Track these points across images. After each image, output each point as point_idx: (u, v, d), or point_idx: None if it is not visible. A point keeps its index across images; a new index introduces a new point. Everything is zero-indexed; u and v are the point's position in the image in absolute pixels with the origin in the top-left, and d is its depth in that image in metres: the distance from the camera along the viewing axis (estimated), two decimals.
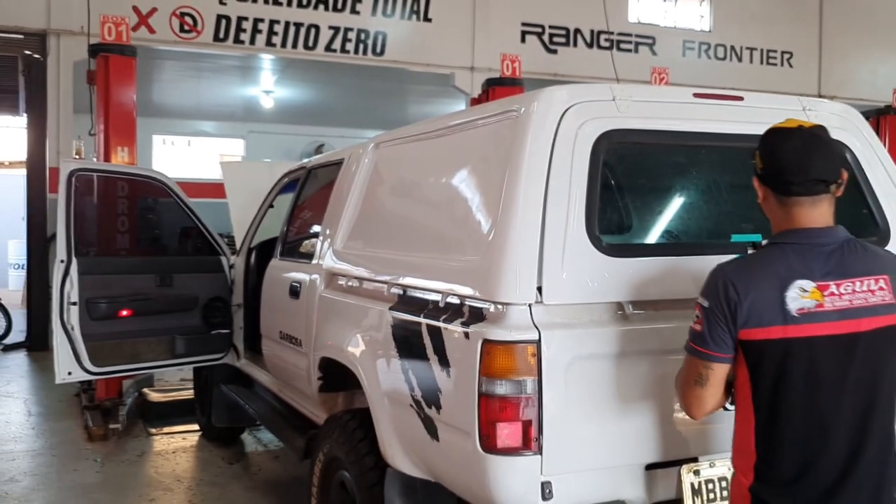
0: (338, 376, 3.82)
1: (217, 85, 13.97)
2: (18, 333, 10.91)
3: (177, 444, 6.41)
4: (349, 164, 4.10)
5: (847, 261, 2.14)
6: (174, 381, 7.65)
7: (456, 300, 2.72)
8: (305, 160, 5.34)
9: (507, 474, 2.44)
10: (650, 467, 2.65)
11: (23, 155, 13.48)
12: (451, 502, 3.11)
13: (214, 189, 9.38)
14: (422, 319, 2.84)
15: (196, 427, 6.64)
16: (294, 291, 4.30)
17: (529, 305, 2.47)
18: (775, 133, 2.22)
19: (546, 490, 2.46)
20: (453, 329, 2.62)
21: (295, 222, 4.98)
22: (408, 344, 2.94)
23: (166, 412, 7.00)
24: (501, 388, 2.42)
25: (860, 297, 2.11)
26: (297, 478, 5.62)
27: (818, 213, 2.16)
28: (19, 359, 10.11)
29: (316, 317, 3.95)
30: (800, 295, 2.09)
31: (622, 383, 2.57)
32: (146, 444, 6.39)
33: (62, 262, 5.12)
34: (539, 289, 2.46)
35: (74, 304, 5.13)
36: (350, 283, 3.67)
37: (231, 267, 5.76)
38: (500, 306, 2.49)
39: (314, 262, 4.15)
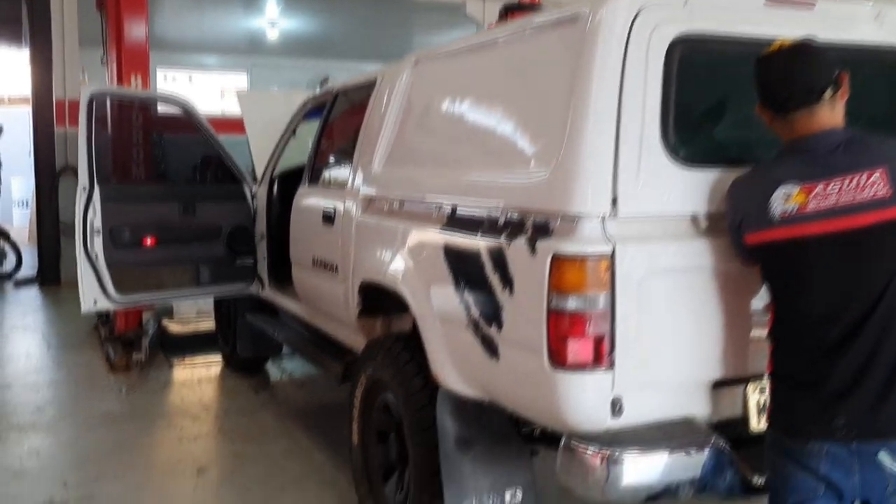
0: (377, 301, 3.77)
1: (220, 16, 13.62)
2: (28, 269, 10.87)
3: (200, 374, 6.41)
4: (384, 85, 3.97)
5: (840, 159, 2.16)
6: (191, 314, 7.59)
7: (517, 216, 2.63)
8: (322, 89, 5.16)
9: (576, 391, 2.39)
10: (717, 385, 2.61)
11: (23, 91, 13.26)
12: (503, 421, 3.09)
13: (219, 124, 9.19)
14: (479, 238, 2.76)
15: (219, 357, 6.63)
16: (328, 218, 4.21)
17: (602, 218, 2.38)
18: (760, 59, 2.30)
19: (616, 406, 2.41)
20: (517, 245, 2.54)
21: (324, 148, 4.86)
22: (463, 263, 2.86)
23: (186, 344, 6.99)
24: (572, 304, 2.36)
25: (847, 195, 2.12)
26: (325, 405, 5.63)
27: (817, 121, 2.21)
28: (32, 293, 10.08)
29: (354, 242, 3.87)
30: (783, 199, 2.16)
31: (694, 298, 2.50)
32: (169, 375, 6.40)
33: (84, 189, 5.02)
34: (614, 200, 2.37)
35: (98, 232, 5.05)
36: (392, 206, 3.58)
37: (253, 196, 5.67)
38: (570, 219, 2.40)
39: (349, 186, 4.05)
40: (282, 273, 5.30)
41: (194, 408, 5.59)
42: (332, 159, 4.82)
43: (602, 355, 2.37)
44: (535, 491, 3.11)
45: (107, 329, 6.99)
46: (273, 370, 6.48)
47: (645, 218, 2.44)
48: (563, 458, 2.43)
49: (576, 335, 2.36)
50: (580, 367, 2.37)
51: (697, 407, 2.58)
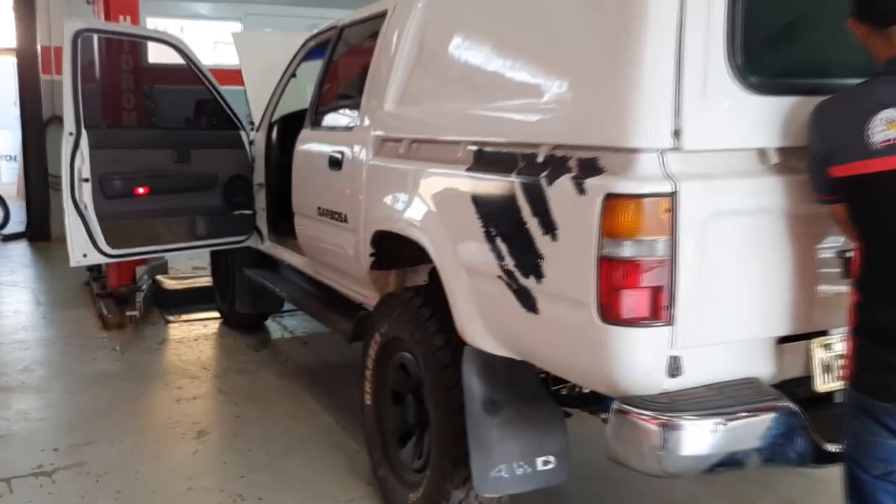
0: (390, 252, 3.48)
1: None
2: (16, 224, 10.53)
3: (197, 331, 6.13)
4: (396, 16, 3.62)
5: None
6: (186, 269, 7.30)
7: (560, 152, 2.32)
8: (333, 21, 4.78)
9: (630, 348, 2.11)
10: (780, 341, 2.34)
11: (6, 40, 12.73)
12: (534, 381, 2.84)
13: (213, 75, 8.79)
14: (513, 179, 2.45)
15: (216, 314, 6.35)
16: (335, 163, 3.89)
17: (662, 152, 2.08)
18: None
19: (674, 366, 2.14)
20: (561, 185, 2.24)
21: (328, 88, 4.52)
22: (494, 208, 2.56)
23: (182, 300, 6.70)
24: (627, 251, 2.06)
25: None
26: (329, 364, 5.38)
27: None
28: (20, 249, 9.75)
29: (365, 188, 3.56)
30: (885, 125, 1.90)
31: (760, 244, 2.21)
32: (165, 332, 6.12)
33: (71, 134, 4.68)
34: (676, 132, 2.06)
35: (87, 180, 4.72)
36: (408, 148, 3.26)
37: (251, 143, 5.33)
38: (625, 154, 2.10)
39: (358, 128, 3.73)
40: (282, 225, 5.01)
41: (192, 367, 5.32)
42: (338, 99, 4.48)
43: (660, 309, 2.09)
44: (568, 457, 2.85)
45: (98, 285, 6.70)
46: (273, 327, 6.21)
47: (709, 152, 2.14)
48: (613, 425, 2.16)
49: (630, 286, 2.07)
50: (635, 322, 2.09)
51: (761, 366, 2.32)
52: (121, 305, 6.22)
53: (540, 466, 2.81)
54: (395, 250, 3.43)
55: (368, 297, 3.80)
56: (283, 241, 5.05)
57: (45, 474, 3.77)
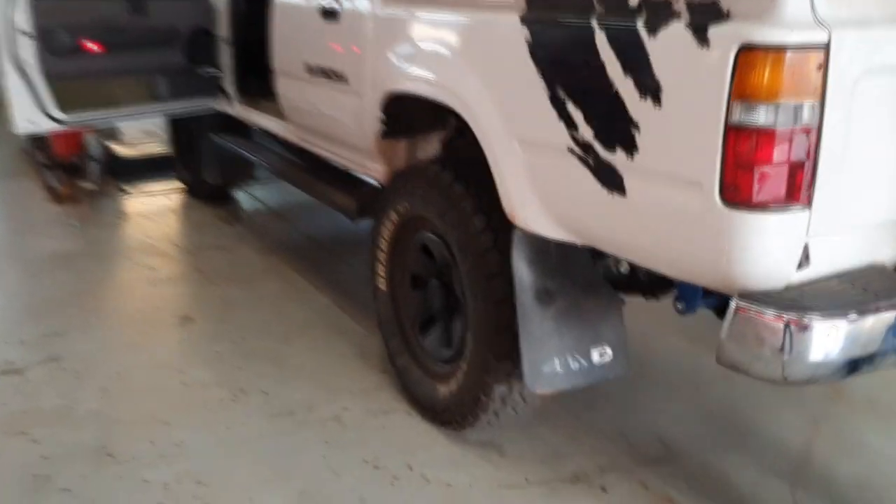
0: (401, 118, 3.03)
1: None
2: None
3: (160, 203, 5.62)
4: None
5: None
6: (137, 135, 6.64)
7: None
8: None
9: (759, 237, 1.76)
10: None
11: None
12: (587, 264, 2.51)
13: None
14: (594, 25, 2.00)
15: (178, 185, 5.81)
16: (329, 12, 3.33)
17: None
18: None
19: (805, 255, 1.80)
20: (671, 35, 1.80)
21: None
22: (564, 66, 2.12)
23: (138, 169, 6.11)
24: (764, 117, 1.67)
25: None
26: (312, 239, 4.97)
27: None
28: None
29: (373, 42, 3.05)
30: None
31: None
32: (124, 205, 5.60)
33: None
34: None
35: (27, 34, 4.05)
36: None
37: None
38: None
39: None
40: (252, 85, 4.45)
41: (161, 243, 4.85)
42: None
43: (799, 189, 1.73)
44: (626, 349, 2.56)
45: (44, 154, 6.04)
46: (243, 198, 5.71)
47: None
48: (730, 325, 1.83)
49: (765, 161, 1.70)
50: (767, 205, 1.73)
51: (885, 251, 2.00)
52: (72, 176, 5.63)
53: (596, 359, 2.52)
54: (408, 116, 2.98)
55: (370, 169, 3.36)
56: (255, 104, 4.49)
57: (15, 371, 3.36)
